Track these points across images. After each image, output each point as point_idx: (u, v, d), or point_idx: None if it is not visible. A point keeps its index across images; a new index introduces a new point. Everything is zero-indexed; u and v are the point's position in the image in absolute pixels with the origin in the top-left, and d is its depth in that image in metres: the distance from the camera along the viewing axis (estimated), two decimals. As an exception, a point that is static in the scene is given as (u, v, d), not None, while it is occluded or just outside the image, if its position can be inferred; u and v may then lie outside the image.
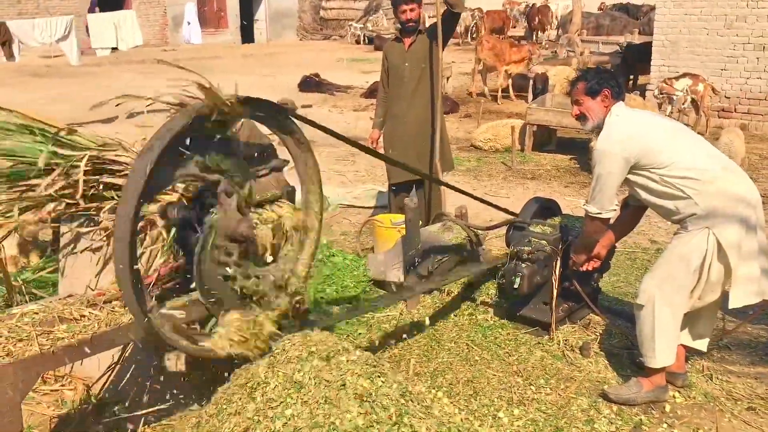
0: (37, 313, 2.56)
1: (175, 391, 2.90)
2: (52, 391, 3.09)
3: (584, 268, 3.67)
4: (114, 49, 13.10)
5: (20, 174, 2.45)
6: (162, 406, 2.89)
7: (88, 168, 2.50)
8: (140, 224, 2.39)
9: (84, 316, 2.56)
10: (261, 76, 15.63)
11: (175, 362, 2.32)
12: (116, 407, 2.91)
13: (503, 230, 4.20)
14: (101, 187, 2.55)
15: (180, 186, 2.44)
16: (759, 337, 3.94)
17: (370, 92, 12.96)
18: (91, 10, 20.85)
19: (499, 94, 12.95)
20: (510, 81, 13.01)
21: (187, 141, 2.21)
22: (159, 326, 2.23)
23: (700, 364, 3.60)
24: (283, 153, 2.66)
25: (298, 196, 2.77)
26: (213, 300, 2.40)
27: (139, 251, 2.36)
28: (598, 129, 3.27)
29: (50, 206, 2.44)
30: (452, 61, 15.91)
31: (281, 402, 2.27)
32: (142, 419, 2.84)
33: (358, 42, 25.24)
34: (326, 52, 22.81)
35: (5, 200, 2.42)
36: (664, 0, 10.84)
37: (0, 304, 3.57)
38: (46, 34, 11.88)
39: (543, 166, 8.34)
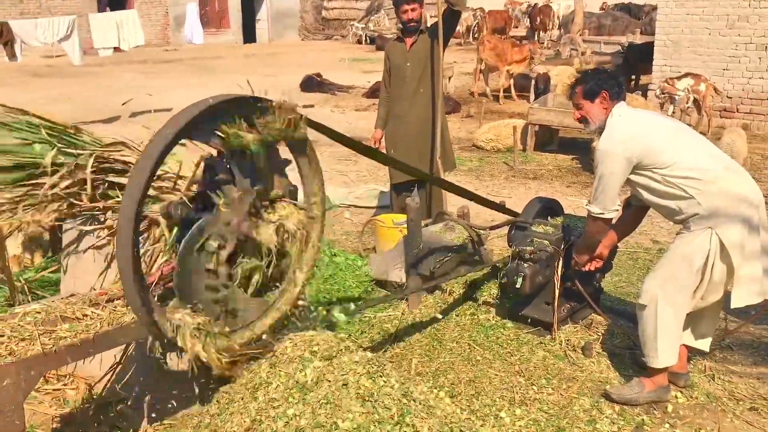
0: (39, 313, 2.56)
1: (176, 391, 2.90)
2: (54, 390, 3.10)
3: (586, 268, 3.67)
4: (116, 49, 13.08)
5: (24, 171, 2.45)
6: (164, 406, 2.89)
7: (93, 167, 2.51)
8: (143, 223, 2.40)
9: (86, 315, 2.56)
10: (263, 76, 15.63)
11: (177, 361, 2.32)
12: (119, 406, 2.91)
13: (505, 230, 4.20)
14: (105, 185, 2.55)
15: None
16: (761, 337, 3.94)
17: (372, 92, 12.96)
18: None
19: (501, 94, 12.94)
20: (512, 81, 13.00)
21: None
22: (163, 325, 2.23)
23: (703, 364, 3.60)
24: (283, 153, 2.66)
25: (300, 196, 2.77)
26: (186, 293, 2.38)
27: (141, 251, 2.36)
28: (600, 129, 3.27)
29: (54, 206, 2.45)
30: (454, 61, 15.92)
31: (283, 402, 2.27)
32: (145, 419, 2.84)
33: (359, 42, 25.24)
34: (328, 52, 22.82)
35: (10, 199, 2.42)
36: (666, 0, 10.83)
37: (3, 304, 3.57)
38: (48, 34, 11.88)
39: (545, 166, 8.33)
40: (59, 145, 2.48)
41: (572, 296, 3.88)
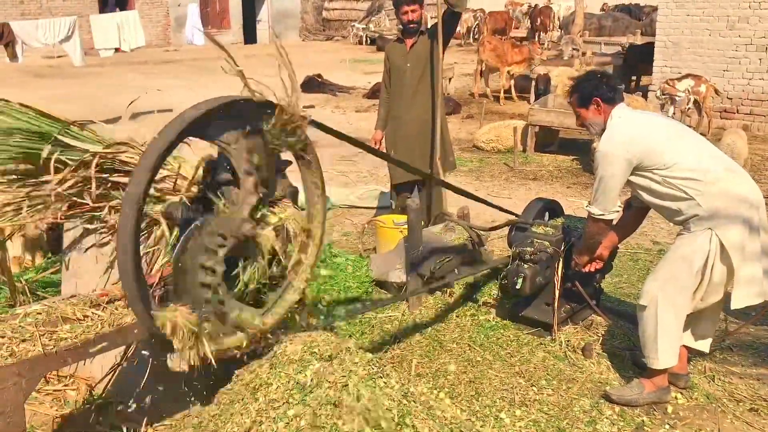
0: (40, 314, 2.56)
1: (177, 392, 2.90)
2: (54, 391, 3.10)
3: (587, 269, 3.68)
4: (117, 49, 13.10)
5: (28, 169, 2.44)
6: (164, 406, 2.89)
7: (97, 167, 2.50)
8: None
9: (87, 316, 2.56)
10: (264, 76, 15.62)
11: (177, 362, 2.32)
12: (119, 407, 2.91)
13: (505, 231, 4.20)
14: (109, 185, 2.55)
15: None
16: (761, 338, 3.94)
17: (373, 93, 12.98)
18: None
19: (502, 94, 12.95)
20: (512, 82, 13.01)
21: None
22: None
23: (703, 365, 3.60)
24: (284, 153, 2.67)
25: (301, 197, 2.78)
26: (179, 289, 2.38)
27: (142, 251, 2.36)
28: (602, 132, 3.28)
29: (57, 206, 2.44)
30: (455, 62, 15.93)
31: (283, 402, 2.27)
32: (145, 419, 2.84)
33: (360, 43, 25.27)
34: (329, 52, 22.84)
35: (14, 198, 2.41)
36: (667, 1, 10.84)
37: (3, 305, 3.58)
38: (49, 35, 11.89)
39: (545, 167, 8.34)
40: (65, 138, 2.47)
41: (572, 297, 3.88)
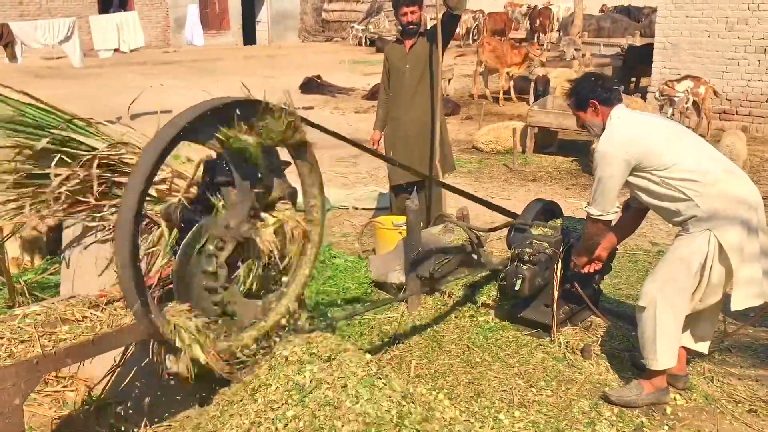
0: (39, 315, 2.56)
1: (175, 393, 2.90)
2: (53, 392, 3.10)
3: (585, 270, 3.67)
4: (117, 50, 13.10)
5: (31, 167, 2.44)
6: (163, 408, 2.89)
7: (98, 169, 2.50)
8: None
9: (86, 317, 2.56)
10: (263, 77, 15.65)
11: (176, 363, 2.32)
12: (118, 408, 2.91)
13: (504, 232, 4.20)
14: (109, 185, 2.55)
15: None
16: (760, 339, 3.94)
17: (372, 94, 12.98)
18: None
19: (501, 96, 12.96)
20: (511, 83, 13.02)
21: None
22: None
23: (701, 366, 3.60)
24: (283, 154, 2.67)
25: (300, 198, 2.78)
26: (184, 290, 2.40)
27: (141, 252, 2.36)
28: (601, 132, 3.28)
29: (58, 204, 2.44)
30: (454, 63, 15.94)
31: (282, 404, 2.27)
32: (144, 420, 2.84)
33: (359, 44, 25.28)
34: (328, 53, 22.84)
35: (16, 197, 2.41)
36: (666, 2, 10.85)
37: (2, 306, 3.58)
38: (48, 36, 11.90)
39: (544, 168, 8.34)
40: (70, 133, 2.47)
41: (571, 298, 3.88)
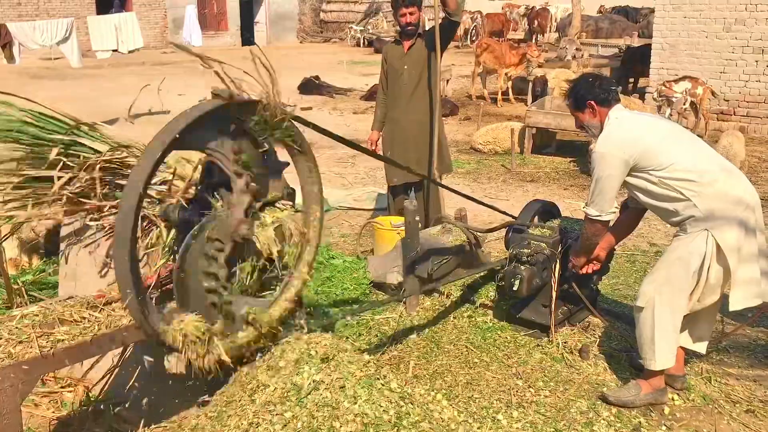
0: (37, 315, 2.56)
1: (174, 394, 2.90)
2: (51, 393, 3.09)
3: (584, 271, 3.68)
4: (115, 51, 13.09)
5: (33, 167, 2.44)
6: (161, 408, 2.89)
7: (101, 167, 2.50)
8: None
9: (84, 318, 2.56)
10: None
11: (175, 364, 2.32)
12: (116, 409, 2.91)
13: (503, 233, 4.20)
14: (109, 187, 2.55)
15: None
16: (758, 339, 3.95)
17: (370, 95, 12.99)
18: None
19: (499, 96, 12.97)
20: (510, 84, 13.03)
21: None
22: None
23: (699, 366, 3.61)
24: (282, 154, 2.67)
25: (299, 198, 2.78)
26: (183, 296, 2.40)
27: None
28: (600, 133, 3.29)
29: (59, 205, 2.44)
30: (452, 64, 15.94)
31: (280, 404, 2.27)
32: (142, 421, 2.84)
33: (358, 44, 25.29)
34: (326, 54, 22.84)
35: (18, 197, 2.41)
36: (663, 3, 10.86)
37: (0, 306, 3.57)
38: (46, 37, 11.88)
39: (542, 169, 8.35)
40: (75, 138, 2.47)
41: (569, 299, 3.88)
